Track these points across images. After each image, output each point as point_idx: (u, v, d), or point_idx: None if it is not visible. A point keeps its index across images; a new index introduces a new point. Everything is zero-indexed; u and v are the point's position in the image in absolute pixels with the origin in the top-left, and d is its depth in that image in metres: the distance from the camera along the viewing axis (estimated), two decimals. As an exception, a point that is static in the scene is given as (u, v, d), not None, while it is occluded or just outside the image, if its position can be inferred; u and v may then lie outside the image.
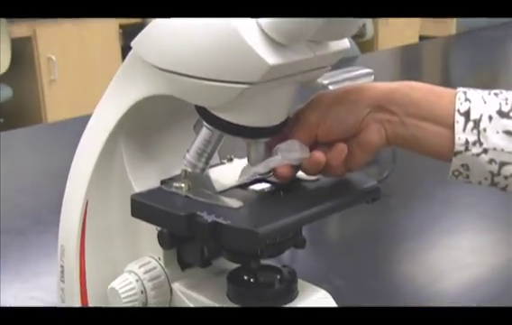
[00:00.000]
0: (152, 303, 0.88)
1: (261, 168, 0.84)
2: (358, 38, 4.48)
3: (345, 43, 0.82)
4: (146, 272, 0.88)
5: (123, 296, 0.87)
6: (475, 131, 0.79)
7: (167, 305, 0.89)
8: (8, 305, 1.13)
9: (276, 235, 0.80)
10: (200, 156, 0.84)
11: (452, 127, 0.80)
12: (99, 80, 3.74)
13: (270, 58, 0.74)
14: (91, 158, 0.91)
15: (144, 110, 0.88)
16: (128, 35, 3.79)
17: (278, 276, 0.87)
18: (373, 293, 1.10)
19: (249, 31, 0.74)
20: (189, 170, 0.86)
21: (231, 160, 0.95)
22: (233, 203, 0.81)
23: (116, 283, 0.88)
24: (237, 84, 0.76)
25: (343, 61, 0.85)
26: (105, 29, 3.93)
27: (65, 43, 3.76)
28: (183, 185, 0.85)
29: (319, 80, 0.87)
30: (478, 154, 0.79)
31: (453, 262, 1.19)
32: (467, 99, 0.81)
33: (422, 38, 4.78)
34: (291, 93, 0.83)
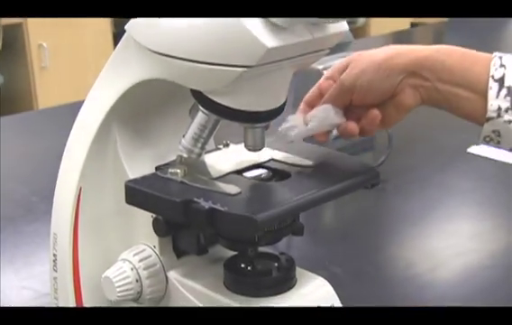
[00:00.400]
0: (148, 292, 0.86)
1: (298, 136, 0.85)
2: (350, 24, 4.45)
3: (344, 26, 0.80)
4: (141, 260, 0.86)
5: (117, 285, 0.85)
6: (508, 98, 0.79)
7: (162, 294, 0.87)
8: (1, 295, 1.11)
9: (274, 221, 0.78)
10: (196, 141, 0.83)
11: (485, 94, 0.80)
12: (91, 68, 3.70)
13: (268, 40, 0.72)
14: (84, 144, 0.88)
15: (138, 95, 0.86)
16: (120, 21, 3.76)
17: (276, 264, 0.85)
18: (372, 281, 1.08)
19: (246, 12, 0.72)
20: (185, 155, 0.84)
21: (227, 145, 0.93)
22: (230, 189, 0.80)
23: (110, 272, 0.86)
24: (234, 67, 0.74)
25: (338, 46, 0.84)
26: (97, 15, 3.89)
27: (56, 30, 3.72)
28: (178, 171, 0.83)
29: (313, 65, 0.86)
30: (510, 121, 0.79)
31: (453, 248, 1.17)
32: (502, 65, 0.80)
33: (413, 25, 4.75)
34: (289, 76, 0.81)
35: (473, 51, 0.84)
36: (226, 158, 0.89)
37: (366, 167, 0.86)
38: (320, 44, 0.79)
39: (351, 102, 0.87)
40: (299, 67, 0.82)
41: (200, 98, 0.80)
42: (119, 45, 0.86)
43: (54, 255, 0.92)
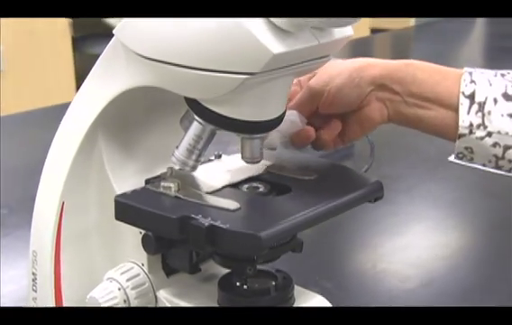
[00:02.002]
0: (136, 313, 0.81)
1: (268, 145, 0.83)
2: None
3: (349, 31, 0.76)
4: (129, 279, 0.81)
5: (104, 307, 0.80)
6: (479, 114, 0.78)
7: (151, 315, 0.82)
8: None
9: (279, 238, 0.73)
10: (190, 153, 0.78)
11: (456, 109, 0.79)
12: (49, 72, 3.63)
13: (274, 46, 0.68)
14: (67, 156, 0.83)
15: (126, 103, 0.81)
16: (79, 25, 3.69)
17: (274, 282, 0.80)
18: (367, 296, 1.04)
19: (250, 16, 0.67)
20: (177, 168, 0.79)
21: (219, 157, 0.88)
22: (230, 205, 0.75)
23: (96, 292, 0.80)
24: (236, 74, 0.69)
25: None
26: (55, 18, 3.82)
27: (13, 34, 3.64)
28: (172, 185, 0.78)
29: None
30: (482, 138, 0.78)
31: (445, 261, 1.14)
32: (472, 81, 0.79)
33: (374, 31, 4.74)
34: (290, 84, 0.77)
35: (443, 67, 0.83)
36: (219, 170, 0.84)
37: (368, 179, 0.82)
38: (325, 50, 0.75)
39: (316, 109, 0.85)
40: (302, 74, 0.78)
41: (195, 107, 0.75)
42: (106, 50, 0.81)
43: (34, 275, 0.86)
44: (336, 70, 0.84)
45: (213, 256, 0.81)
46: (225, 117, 0.74)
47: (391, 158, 1.33)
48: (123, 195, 0.79)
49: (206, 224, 0.71)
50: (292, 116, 0.84)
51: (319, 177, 0.82)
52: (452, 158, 0.85)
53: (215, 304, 0.80)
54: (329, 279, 1.06)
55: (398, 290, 1.04)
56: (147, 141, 0.86)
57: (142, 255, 0.81)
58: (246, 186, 0.81)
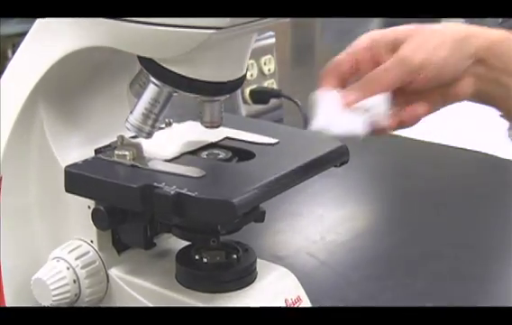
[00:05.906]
0: (86, 294, 0.76)
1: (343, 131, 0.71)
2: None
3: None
4: (78, 257, 0.76)
5: (52, 288, 0.74)
6: None
7: (103, 295, 0.77)
8: None
9: (252, 205, 0.68)
10: (147, 118, 0.72)
11: None
12: None
13: (244, -3, 0.63)
14: (4, 127, 0.78)
15: (69, 68, 0.75)
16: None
17: (235, 255, 0.76)
18: (324, 269, 1.00)
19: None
20: (129, 135, 0.74)
21: (169, 124, 0.83)
22: (194, 172, 0.70)
23: (43, 274, 0.75)
24: (202, 29, 0.64)
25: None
26: None
27: None
28: (127, 153, 0.72)
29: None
30: None
31: (389, 230, 1.12)
32: None
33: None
34: (251, 43, 0.72)
35: None
36: (172, 138, 0.79)
37: (333, 143, 0.78)
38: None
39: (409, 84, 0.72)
40: (263, 30, 0.73)
41: (151, 68, 0.70)
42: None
43: (-30, 256, 0.79)
44: (436, 40, 0.71)
45: (171, 229, 0.75)
46: (185, 78, 0.69)
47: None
48: (74, 165, 0.73)
49: (172, 192, 0.65)
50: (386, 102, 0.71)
51: (281, 141, 0.77)
52: None
53: (174, 280, 0.75)
54: (280, 251, 1.02)
55: (354, 261, 1.01)
56: (92, 108, 0.80)
57: (91, 232, 0.76)
58: (205, 153, 0.76)
